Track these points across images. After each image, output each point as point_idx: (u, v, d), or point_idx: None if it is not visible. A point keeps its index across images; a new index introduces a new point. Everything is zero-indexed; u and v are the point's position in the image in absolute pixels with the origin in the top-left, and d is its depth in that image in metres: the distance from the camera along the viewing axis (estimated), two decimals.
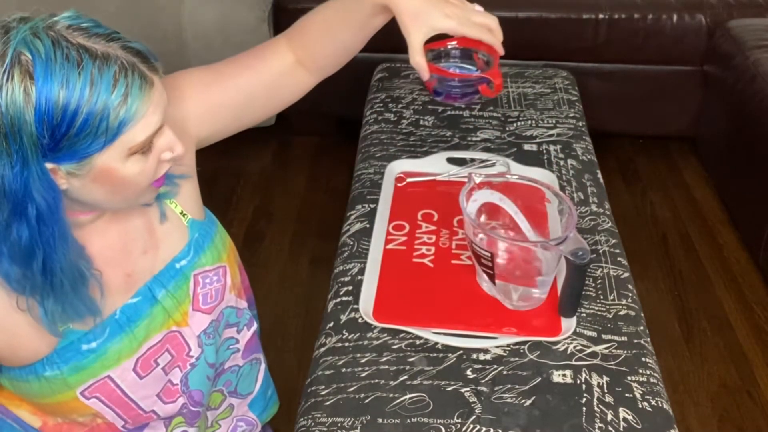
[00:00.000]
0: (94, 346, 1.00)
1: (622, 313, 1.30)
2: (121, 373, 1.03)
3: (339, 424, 1.11)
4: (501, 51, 1.13)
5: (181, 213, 1.09)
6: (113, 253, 1.02)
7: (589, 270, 1.32)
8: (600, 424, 1.11)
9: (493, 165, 1.61)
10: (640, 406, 1.14)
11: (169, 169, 0.97)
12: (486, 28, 1.12)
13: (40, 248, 0.88)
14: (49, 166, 0.85)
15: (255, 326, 1.24)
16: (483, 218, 1.34)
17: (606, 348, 1.23)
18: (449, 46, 1.22)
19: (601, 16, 2.76)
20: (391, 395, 1.15)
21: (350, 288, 1.33)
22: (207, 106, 1.10)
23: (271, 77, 1.16)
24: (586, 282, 1.29)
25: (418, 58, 1.13)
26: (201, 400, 1.14)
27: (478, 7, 1.13)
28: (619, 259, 1.41)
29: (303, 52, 1.17)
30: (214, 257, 1.11)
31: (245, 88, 1.13)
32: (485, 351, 1.22)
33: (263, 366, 1.30)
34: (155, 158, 0.91)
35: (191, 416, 1.14)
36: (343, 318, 1.28)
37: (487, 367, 1.19)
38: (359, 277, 1.34)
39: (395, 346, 1.22)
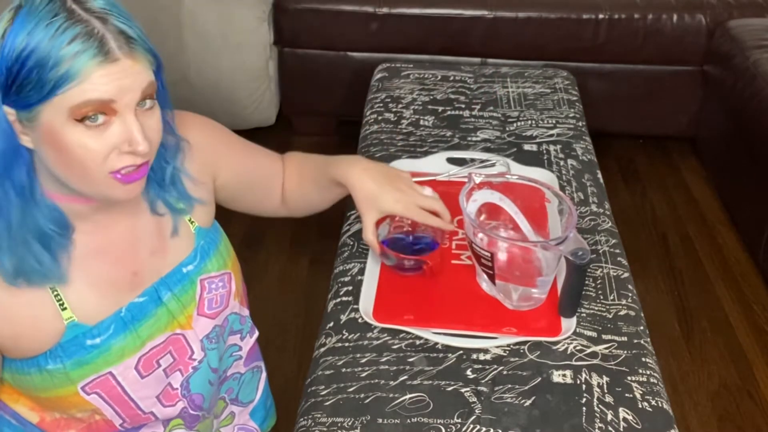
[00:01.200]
0: (98, 341, 1.01)
1: (622, 313, 1.30)
2: (122, 371, 1.03)
3: (339, 424, 1.11)
4: (450, 228, 1.30)
5: (189, 220, 1.11)
6: (121, 249, 1.03)
7: (589, 270, 1.32)
8: (600, 424, 1.11)
9: (493, 165, 1.61)
10: (640, 406, 1.14)
11: (187, 188, 1.05)
12: (432, 213, 1.26)
13: (4, 191, 0.91)
14: (6, 109, 0.88)
15: (256, 334, 1.25)
16: (483, 218, 1.34)
17: (606, 348, 1.23)
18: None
19: (601, 16, 2.76)
20: (391, 395, 1.15)
21: (350, 288, 1.33)
22: (232, 173, 1.19)
23: (263, 206, 1.32)
24: (586, 282, 1.29)
25: (370, 236, 1.26)
26: (201, 404, 1.14)
27: (428, 191, 1.28)
28: (619, 259, 1.42)
29: (285, 194, 1.31)
30: (220, 264, 1.13)
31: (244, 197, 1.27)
32: (485, 351, 1.22)
33: (264, 375, 1.31)
34: (110, 142, 0.90)
35: (191, 419, 1.14)
36: (343, 318, 1.28)
37: (487, 367, 1.19)
38: (359, 277, 1.34)
39: (395, 346, 1.22)
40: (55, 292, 0.98)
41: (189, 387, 1.11)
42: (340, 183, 1.25)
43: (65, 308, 0.99)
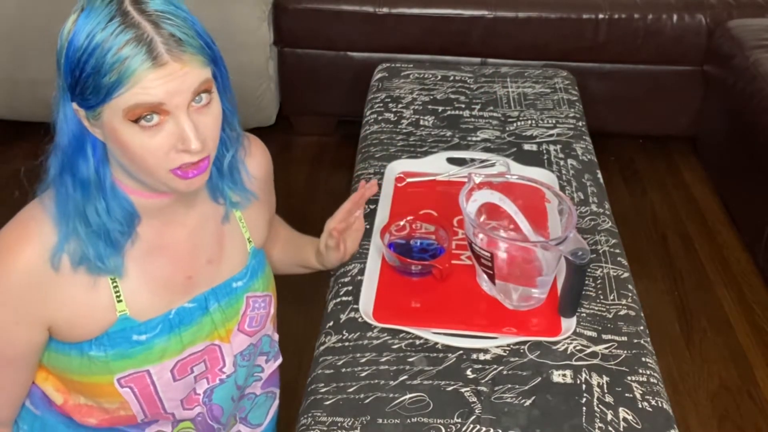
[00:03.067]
0: (143, 338, 1.03)
1: (622, 313, 1.30)
2: (159, 371, 1.05)
3: (339, 424, 1.11)
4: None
5: (248, 239, 1.15)
6: (181, 251, 1.06)
7: (589, 270, 1.32)
8: (600, 424, 1.11)
9: (493, 165, 1.61)
10: (640, 406, 1.14)
11: (243, 182, 1.08)
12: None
13: (64, 184, 0.95)
14: (75, 107, 0.93)
15: (280, 360, 1.27)
16: (483, 218, 1.34)
17: (606, 348, 1.23)
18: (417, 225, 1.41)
19: (601, 16, 2.76)
20: (391, 395, 1.15)
21: (350, 288, 1.33)
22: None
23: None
24: (586, 282, 1.29)
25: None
26: (220, 416, 1.16)
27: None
28: (619, 259, 1.41)
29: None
30: (265, 285, 1.17)
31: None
32: (485, 351, 1.22)
33: (276, 402, 1.32)
34: (166, 142, 0.93)
35: (204, 428, 1.16)
36: (343, 317, 1.28)
37: (487, 367, 1.19)
38: (359, 277, 1.34)
39: (395, 346, 1.22)
40: (114, 284, 1.00)
41: (211, 396, 1.13)
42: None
43: (120, 300, 1.01)
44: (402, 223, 1.39)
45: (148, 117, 0.90)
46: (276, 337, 1.24)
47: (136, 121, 0.90)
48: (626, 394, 1.16)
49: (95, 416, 1.09)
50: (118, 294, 1.01)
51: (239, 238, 1.13)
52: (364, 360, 1.20)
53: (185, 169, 0.95)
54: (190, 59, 0.91)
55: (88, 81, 0.89)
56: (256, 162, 1.14)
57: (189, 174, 0.95)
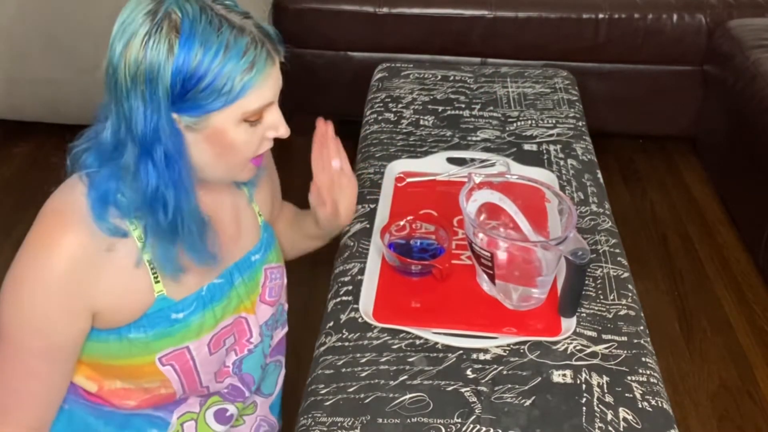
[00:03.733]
0: (181, 316, 1.06)
1: (622, 313, 1.30)
2: (197, 346, 1.09)
3: (339, 424, 1.11)
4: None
5: (258, 213, 1.21)
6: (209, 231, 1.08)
7: (589, 270, 1.32)
8: (600, 424, 1.11)
9: (493, 165, 1.61)
10: (640, 406, 1.14)
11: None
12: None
13: (168, 189, 0.97)
14: (173, 116, 0.95)
15: (286, 328, 1.31)
16: (483, 218, 1.34)
17: (606, 348, 1.23)
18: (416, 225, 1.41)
19: (601, 16, 2.76)
20: (391, 395, 1.15)
21: (350, 288, 1.33)
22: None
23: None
24: (586, 282, 1.29)
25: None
26: (252, 384, 1.20)
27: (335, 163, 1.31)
28: (619, 259, 1.41)
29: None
30: (278, 256, 1.23)
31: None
32: (485, 351, 1.22)
33: (283, 371, 1.35)
34: (261, 133, 1.00)
35: (235, 394, 1.19)
36: (343, 317, 1.28)
37: (487, 367, 1.19)
38: (359, 277, 1.34)
39: (395, 346, 1.22)
40: (152, 265, 1.03)
41: (241, 366, 1.17)
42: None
43: (158, 281, 1.04)
44: (402, 223, 1.39)
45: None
46: (286, 306, 1.30)
47: (246, 119, 0.97)
48: (626, 394, 1.16)
49: (134, 398, 1.11)
50: (155, 275, 1.03)
51: (251, 213, 1.19)
52: (364, 360, 1.20)
53: (259, 158, 1.03)
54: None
55: (209, 87, 0.92)
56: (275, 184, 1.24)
57: (260, 160, 1.04)
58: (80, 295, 0.99)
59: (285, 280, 1.26)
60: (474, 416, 1.12)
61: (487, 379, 1.17)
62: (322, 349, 1.24)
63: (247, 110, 0.97)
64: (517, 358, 1.21)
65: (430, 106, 1.88)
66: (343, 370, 1.19)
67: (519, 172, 1.55)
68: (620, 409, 1.13)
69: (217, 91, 0.93)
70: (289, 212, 1.42)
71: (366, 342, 1.23)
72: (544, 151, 1.70)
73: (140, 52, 0.91)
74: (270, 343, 1.23)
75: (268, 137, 1.03)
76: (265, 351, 1.21)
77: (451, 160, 1.63)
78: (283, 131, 1.03)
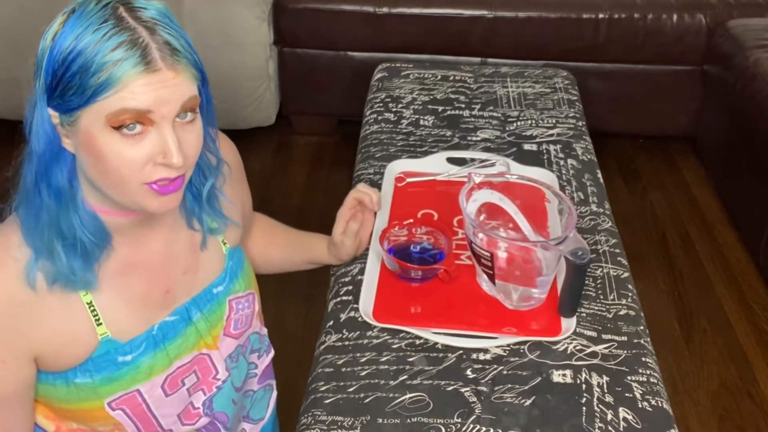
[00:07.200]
0: (128, 359, 1.01)
1: (622, 312, 1.30)
2: (149, 389, 1.03)
3: (339, 423, 1.11)
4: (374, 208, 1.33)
5: (222, 241, 1.12)
6: (155, 266, 1.03)
7: (589, 270, 1.32)
8: (600, 424, 1.11)
9: (493, 165, 1.61)
10: (640, 405, 1.14)
11: (222, 208, 1.06)
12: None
13: (38, 194, 0.91)
14: (50, 112, 0.89)
15: (272, 353, 1.25)
16: (483, 218, 1.34)
17: (606, 348, 1.23)
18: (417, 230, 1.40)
19: (601, 16, 2.76)
20: (391, 395, 1.15)
21: (350, 288, 1.33)
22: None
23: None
24: (586, 282, 1.29)
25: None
26: (227, 422, 1.15)
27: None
28: (619, 258, 1.42)
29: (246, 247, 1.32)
30: (246, 284, 1.14)
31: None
32: (485, 351, 1.22)
33: (274, 393, 1.31)
34: (146, 153, 0.89)
35: (213, 430, 1.14)
36: (343, 317, 1.28)
37: (487, 367, 1.19)
38: (359, 277, 1.34)
39: (395, 346, 1.22)
40: (92, 307, 0.98)
41: (212, 406, 1.11)
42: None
43: (100, 323, 0.99)
44: (400, 229, 1.38)
45: (131, 126, 0.87)
46: (264, 331, 1.22)
47: (117, 128, 0.87)
48: (626, 394, 1.16)
49: None
50: (96, 317, 0.98)
51: (213, 242, 1.10)
52: (364, 359, 1.20)
53: (162, 185, 0.91)
54: (183, 70, 0.89)
55: (73, 80, 0.86)
56: (226, 155, 1.11)
57: (166, 190, 0.92)
58: (19, 339, 0.95)
59: (256, 306, 1.16)
60: (474, 416, 1.12)
61: (487, 379, 1.17)
62: (322, 347, 1.24)
63: (109, 112, 0.86)
64: (517, 358, 1.21)
65: (430, 106, 1.88)
66: (343, 369, 1.19)
67: (519, 172, 1.55)
68: (620, 409, 1.13)
69: (79, 84, 0.86)
70: (264, 223, 1.36)
71: (366, 341, 1.23)
72: (544, 151, 1.70)
73: (40, 42, 0.89)
74: (240, 375, 1.16)
75: (158, 162, 0.90)
76: (235, 385, 1.14)
77: (451, 160, 1.63)
78: (173, 158, 0.89)
